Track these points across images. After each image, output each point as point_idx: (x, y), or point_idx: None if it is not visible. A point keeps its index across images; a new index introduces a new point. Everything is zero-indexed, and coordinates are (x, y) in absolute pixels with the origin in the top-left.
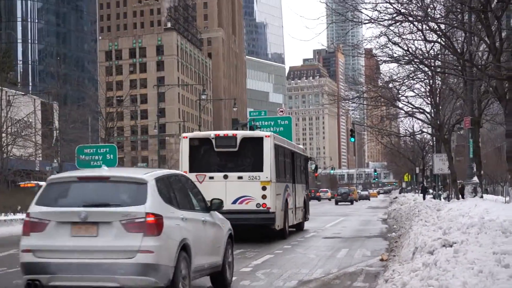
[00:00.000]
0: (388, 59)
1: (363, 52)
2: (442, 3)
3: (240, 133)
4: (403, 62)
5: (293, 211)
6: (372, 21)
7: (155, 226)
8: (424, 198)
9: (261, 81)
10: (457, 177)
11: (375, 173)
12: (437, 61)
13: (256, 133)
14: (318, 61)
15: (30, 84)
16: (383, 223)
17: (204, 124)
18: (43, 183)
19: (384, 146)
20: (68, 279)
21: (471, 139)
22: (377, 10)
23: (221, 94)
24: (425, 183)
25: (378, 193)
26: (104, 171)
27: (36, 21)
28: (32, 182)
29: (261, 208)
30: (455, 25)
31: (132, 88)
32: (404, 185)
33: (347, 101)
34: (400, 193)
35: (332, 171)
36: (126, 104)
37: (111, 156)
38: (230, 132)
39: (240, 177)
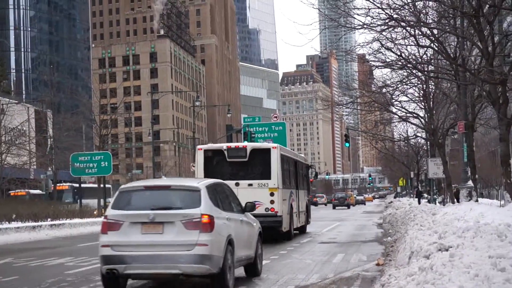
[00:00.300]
0: (381, 64)
1: (356, 57)
2: (435, 9)
3: (250, 145)
4: (396, 67)
5: (297, 214)
6: (365, 26)
7: (209, 224)
8: (419, 203)
9: (255, 87)
10: (452, 181)
11: (370, 178)
12: (430, 66)
13: (264, 144)
14: (312, 66)
15: (24, 92)
16: (379, 228)
17: (198, 131)
18: (34, 191)
19: (378, 151)
20: (140, 268)
21: (465, 143)
22: (370, 16)
23: (215, 101)
24: (420, 188)
25: (374, 197)
26: (165, 181)
27: (29, 29)
28: (22, 190)
29: (269, 212)
30: (448, 30)
31: (126, 95)
32: (399, 189)
33: (341, 106)
34: (395, 197)
35: (327, 176)
36: (120, 111)
37: (106, 163)
38: (240, 144)
39: (250, 184)
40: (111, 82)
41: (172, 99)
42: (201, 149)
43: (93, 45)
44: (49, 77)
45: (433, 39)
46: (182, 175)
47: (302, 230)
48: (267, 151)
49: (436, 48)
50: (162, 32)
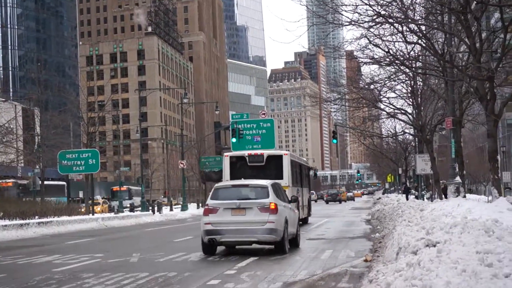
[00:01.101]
0: (369, 60)
1: (344, 54)
2: (422, 5)
3: (266, 152)
4: (384, 64)
5: (302, 208)
6: (353, 23)
7: (275, 209)
8: (407, 199)
9: (243, 84)
10: (440, 177)
11: (358, 174)
12: (418, 62)
13: (278, 152)
14: (300, 63)
15: (11, 90)
16: (367, 224)
17: (186, 128)
18: (22, 181)
19: (366, 147)
20: (230, 237)
21: (453, 139)
22: (357, 12)
23: (203, 98)
24: (408, 184)
25: (363, 193)
26: (245, 181)
27: (16, 27)
28: (9, 181)
29: None
30: (435, 26)
31: (114, 92)
32: (387, 185)
33: (329, 102)
34: (383, 193)
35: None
36: (108, 109)
37: (93, 161)
38: (259, 152)
39: None
40: (98, 79)
41: (160, 96)
42: (227, 155)
43: (80, 43)
44: (37, 75)
45: (421, 35)
46: (170, 172)
47: (304, 221)
48: (280, 157)
49: (424, 45)
50: (149, 29)
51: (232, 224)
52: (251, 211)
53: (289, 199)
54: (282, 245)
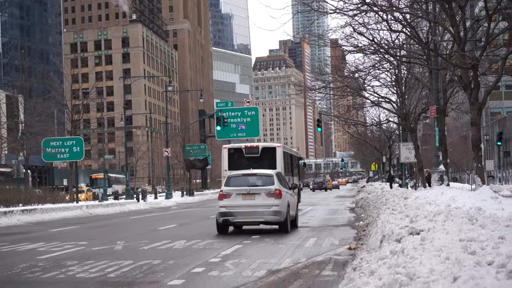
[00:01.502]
0: (353, 49)
1: (329, 42)
2: None
3: (261, 145)
4: (368, 52)
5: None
6: (337, 11)
7: (279, 194)
8: (391, 187)
9: (228, 72)
10: (424, 166)
11: (343, 163)
12: (402, 50)
13: (272, 144)
14: (284, 51)
15: None
16: (351, 212)
17: (171, 116)
18: (5, 169)
19: (351, 135)
20: (241, 218)
21: (437, 127)
22: (342, 0)
23: (187, 86)
24: (392, 172)
25: (347, 182)
26: (253, 171)
27: None
28: None
29: None
30: (420, 15)
31: (98, 80)
32: (371, 174)
33: (313, 91)
34: (367, 182)
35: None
36: (92, 97)
37: (78, 148)
38: (254, 144)
39: None
40: (83, 67)
41: (145, 84)
42: (226, 147)
43: (64, 30)
44: (20, 62)
45: (405, 24)
46: (155, 160)
47: None
48: (274, 149)
49: (408, 33)
50: (134, 17)
51: (243, 207)
52: (259, 196)
53: (290, 185)
54: (285, 225)
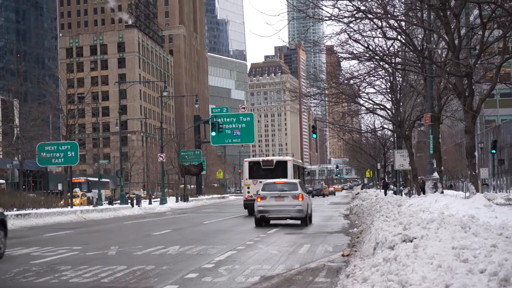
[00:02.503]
0: (348, 56)
1: (324, 48)
2: (402, 1)
3: (275, 158)
4: (363, 59)
5: None
6: (333, 18)
7: (302, 197)
8: (385, 194)
9: (223, 78)
10: (418, 173)
11: (337, 169)
12: (397, 58)
13: (284, 158)
14: (280, 58)
15: None
16: (345, 219)
17: (166, 121)
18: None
19: (345, 142)
20: (274, 214)
21: (432, 135)
22: (337, 8)
23: (182, 91)
24: (386, 179)
25: (343, 188)
26: (283, 180)
27: None
28: None
29: None
30: (415, 22)
31: (93, 85)
32: (366, 181)
33: (308, 97)
34: (362, 189)
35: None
36: (88, 101)
37: (73, 153)
38: (270, 158)
39: None
40: (78, 71)
41: (140, 89)
42: (247, 161)
43: (60, 35)
44: (16, 66)
45: (400, 31)
46: (149, 165)
47: None
48: (285, 162)
49: (403, 41)
50: (130, 22)
51: (275, 206)
52: (287, 198)
53: (307, 191)
54: (305, 220)
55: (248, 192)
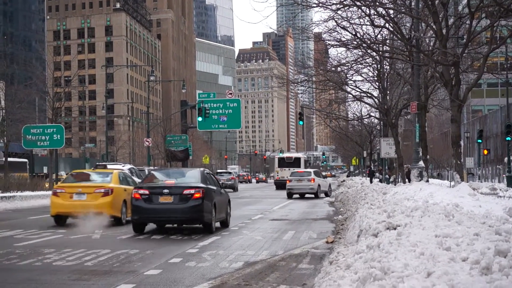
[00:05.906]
0: (336, 43)
1: (312, 36)
2: None
3: (294, 155)
4: (351, 47)
5: None
6: (321, 5)
7: (313, 180)
8: (371, 182)
9: (211, 63)
10: (404, 161)
11: (324, 157)
12: (385, 46)
13: (299, 155)
14: (268, 44)
15: None
16: (330, 206)
17: (153, 106)
18: None
19: (332, 129)
20: (297, 191)
21: (418, 123)
22: None
23: (170, 76)
24: (372, 167)
25: (332, 175)
26: (302, 169)
27: None
28: None
29: None
30: (403, 10)
31: (80, 68)
32: (352, 168)
33: (296, 84)
34: (347, 176)
35: (280, 154)
36: (74, 85)
37: (58, 136)
38: (290, 155)
39: None
40: (65, 54)
41: (127, 73)
42: (277, 157)
43: (48, 17)
44: (2, 48)
45: (388, 19)
46: (135, 149)
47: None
48: (300, 158)
49: (391, 29)
50: (118, 5)
51: (297, 186)
52: (305, 180)
53: (323, 176)
54: (317, 195)
55: (277, 175)
